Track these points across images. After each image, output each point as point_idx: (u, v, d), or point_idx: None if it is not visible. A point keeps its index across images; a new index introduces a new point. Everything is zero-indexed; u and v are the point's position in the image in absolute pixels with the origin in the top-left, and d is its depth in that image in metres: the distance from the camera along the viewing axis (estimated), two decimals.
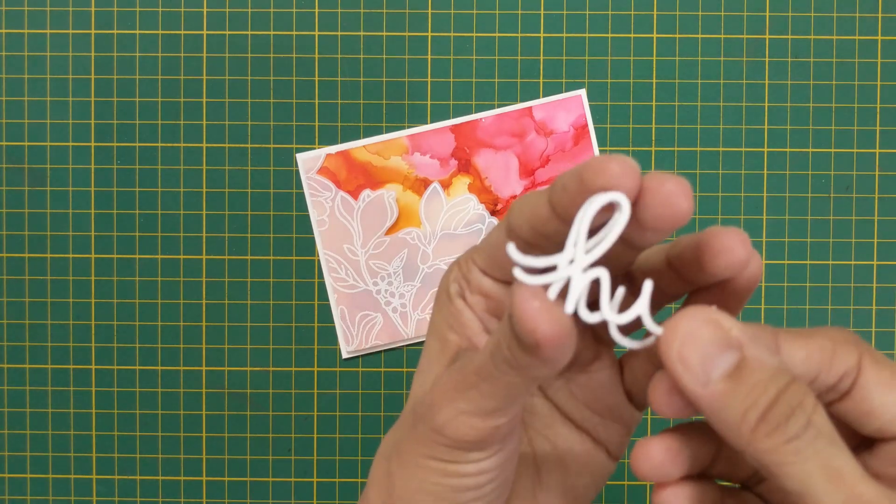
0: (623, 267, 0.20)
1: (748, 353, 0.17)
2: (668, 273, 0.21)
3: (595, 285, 0.17)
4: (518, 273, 0.17)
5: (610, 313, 0.17)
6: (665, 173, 0.17)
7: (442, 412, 0.19)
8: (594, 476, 0.23)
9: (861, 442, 0.19)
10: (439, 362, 0.21)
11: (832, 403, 0.19)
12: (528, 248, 0.19)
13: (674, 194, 0.16)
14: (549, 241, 0.19)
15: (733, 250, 0.19)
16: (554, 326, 0.16)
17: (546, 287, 0.17)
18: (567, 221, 0.17)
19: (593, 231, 0.17)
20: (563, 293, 0.17)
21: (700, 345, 0.17)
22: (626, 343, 0.18)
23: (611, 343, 0.20)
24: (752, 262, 0.19)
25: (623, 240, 0.18)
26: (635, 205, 0.17)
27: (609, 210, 0.17)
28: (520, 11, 0.43)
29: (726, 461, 0.21)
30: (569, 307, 0.17)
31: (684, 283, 0.21)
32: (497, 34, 0.43)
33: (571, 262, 0.17)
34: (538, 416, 0.23)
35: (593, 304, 0.18)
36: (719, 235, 0.19)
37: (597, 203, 0.16)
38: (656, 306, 0.21)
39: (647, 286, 0.18)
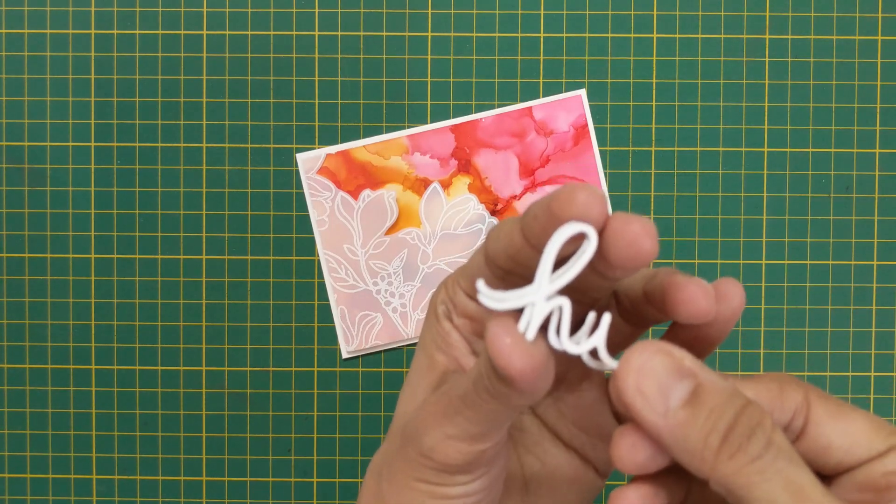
0: (602, 295, 0.21)
1: (702, 379, 0.17)
2: (644, 304, 0.21)
3: (595, 317, 0.18)
4: (483, 299, 0.17)
5: (568, 343, 0.18)
6: (631, 215, 0.17)
7: (429, 436, 0.19)
8: (582, 493, 0.23)
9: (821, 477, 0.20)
10: (427, 380, 0.22)
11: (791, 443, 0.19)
12: (506, 275, 0.20)
13: (639, 236, 0.17)
14: (524, 268, 0.19)
15: (695, 302, 0.19)
16: (526, 360, 0.16)
17: (518, 319, 0.17)
18: (539, 250, 0.18)
19: (567, 260, 0.18)
20: (543, 325, 0.17)
21: (655, 375, 0.17)
22: (595, 366, 0.19)
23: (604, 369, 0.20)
24: (732, 298, 0.20)
25: (595, 271, 0.18)
26: (601, 243, 0.17)
27: (580, 240, 0.17)
28: (520, 11, 0.43)
29: (699, 496, 0.21)
30: (530, 335, 0.17)
31: (661, 315, 0.21)
32: (497, 34, 0.43)
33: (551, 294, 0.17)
34: (527, 434, 0.23)
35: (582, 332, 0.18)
36: (682, 287, 0.19)
37: (563, 234, 0.17)
38: (641, 328, 0.22)
39: (605, 319, 0.18)
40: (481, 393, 0.18)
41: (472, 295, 0.21)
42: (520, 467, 0.23)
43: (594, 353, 0.18)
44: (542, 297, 0.17)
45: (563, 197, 0.17)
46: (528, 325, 0.17)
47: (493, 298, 0.17)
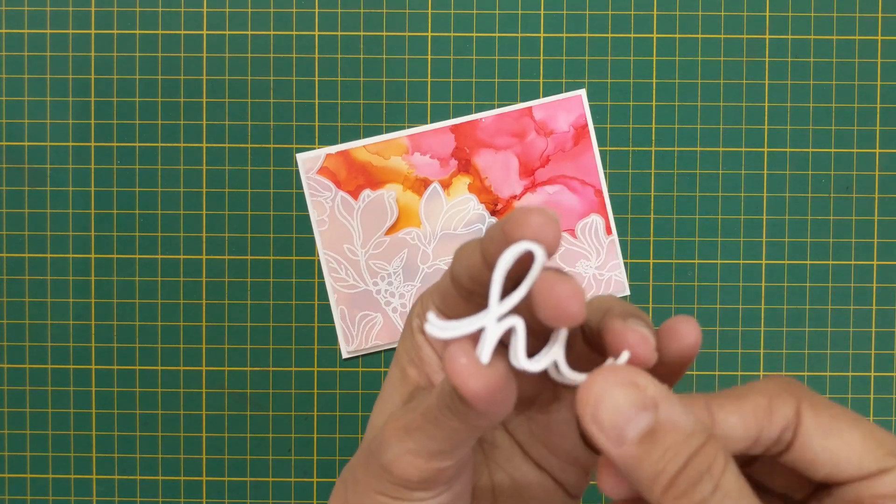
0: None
1: (662, 416, 0.17)
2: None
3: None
4: (430, 329, 0.17)
5: (525, 362, 0.17)
6: (560, 276, 0.17)
7: (390, 450, 0.19)
8: None
9: (820, 485, 0.20)
10: (399, 393, 0.22)
11: (780, 454, 0.19)
12: (470, 295, 0.20)
13: (563, 300, 0.17)
14: (486, 289, 0.19)
15: (633, 349, 0.19)
16: (480, 382, 0.16)
17: (476, 341, 0.17)
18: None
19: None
20: (507, 345, 0.17)
21: (614, 407, 0.17)
22: (562, 380, 0.19)
23: (571, 385, 0.20)
24: (685, 337, 0.19)
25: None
26: (531, 299, 0.17)
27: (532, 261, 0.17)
28: (520, 11, 0.43)
29: None
30: (484, 357, 0.17)
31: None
32: (497, 34, 0.43)
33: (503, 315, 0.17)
34: (499, 449, 0.23)
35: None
36: (619, 334, 0.19)
37: (511, 254, 0.17)
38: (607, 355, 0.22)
39: (562, 334, 0.18)
40: (444, 410, 0.18)
41: (444, 311, 0.21)
42: (490, 482, 0.23)
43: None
44: (493, 319, 0.17)
45: (516, 218, 0.17)
46: (483, 348, 0.17)
47: (440, 328, 0.17)
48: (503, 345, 0.18)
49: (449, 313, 0.21)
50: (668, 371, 0.20)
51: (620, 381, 0.17)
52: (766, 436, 0.19)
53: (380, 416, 0.22)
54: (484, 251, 0.18)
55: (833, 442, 0.18)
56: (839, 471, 0.18)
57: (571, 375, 0.18)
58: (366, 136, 0.43)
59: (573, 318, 0.17)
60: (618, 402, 0.17)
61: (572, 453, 0.23)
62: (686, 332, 0.19)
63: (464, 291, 0.20)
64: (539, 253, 0.17)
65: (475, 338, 0.17)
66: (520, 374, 0.18)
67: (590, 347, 0.21)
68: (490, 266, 0.18)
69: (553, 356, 0.18)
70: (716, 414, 0.18)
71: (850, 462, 0.18)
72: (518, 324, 0.17)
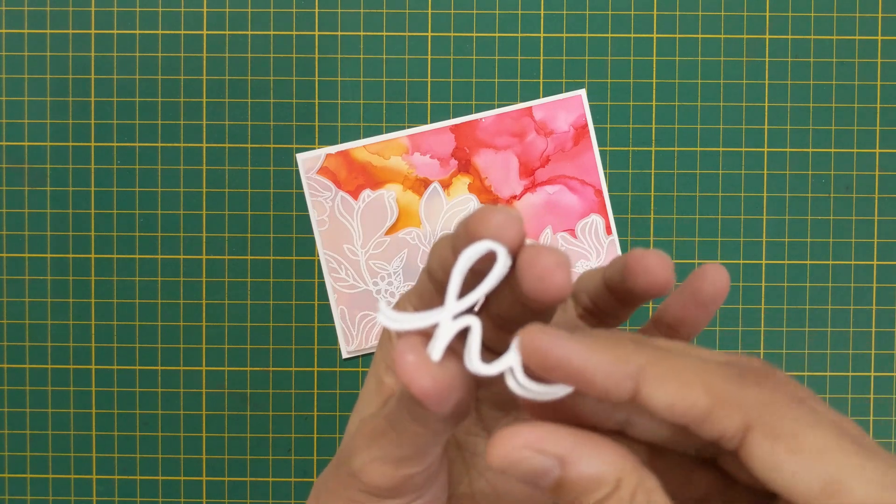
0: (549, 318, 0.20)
1: (568, 472, 0.16)
2: (606, 295, 0.21)
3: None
4: (381, 319, 0.17)
5: (477, 365, 0.17)
6: (543, 247, 0.16)
7: (358, 457, 0.19)
8: None
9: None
10: (375, 402, 0.21)
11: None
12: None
13: (548, 270, 0.16)
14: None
15: (651, 272, 0.18)
16: (429, 380, 0.16)
17: (427, 339, 0.17)
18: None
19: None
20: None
21: (520, 472, 0.16)
22: (519, 391, 0.17)
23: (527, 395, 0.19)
24: (712, 275, 0.19)
25: (521, 302, 0.18)
26: (516, 275, 0.17)
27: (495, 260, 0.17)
28: (520, 11, 0.43)
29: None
30: (435, 354, 0.16)
31: (621, 304, 0.21)
32: (497, 34, 0.43)
33: (475, 310, 0.17)
34: (480, 457, 0.23)
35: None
36: (639, 258, 0.19)
37: (472, 252, 0.16)
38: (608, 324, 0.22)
39: (515, 342, 0.17)
40: (403, 414, 0.18)
41: (420, 310, 0.21)
42: (470, 490, 0.23)
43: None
44: (448, 316, 0.16)
45: (479, 216, 0.17)
46: (434, 345, 0.16)
47: (391, 319, 0.16)
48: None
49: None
50: (701, 312, 0.20)
51: (521, 444, 0.16)
52: (696, 431, 0.16)
53: (351, 420, 0.22)
54: (454, 247, 0.18)
55: (781, 478, 0.15)
56: (790, 496, 0.16)
57: (526, 384, 0.17)
58: (366, 136, 0.43)
59: (559, 289, 0.16)
60: (522, 468, 0.16)
61: None
62: (716, 276, 0.19)
63: (439, 287, 0.19)
64: (501, 252, 0.16)
65: (426, 337, 0.17)
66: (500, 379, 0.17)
67: (588, 323, 0.21)
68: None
69: (509, 362, 0.17)
70: (642, 388, 0.16)
71: (800, 495, 0.15)
72: (474, 323, 0.17)
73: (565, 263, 0.16)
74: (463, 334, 0.17)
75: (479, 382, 0.18)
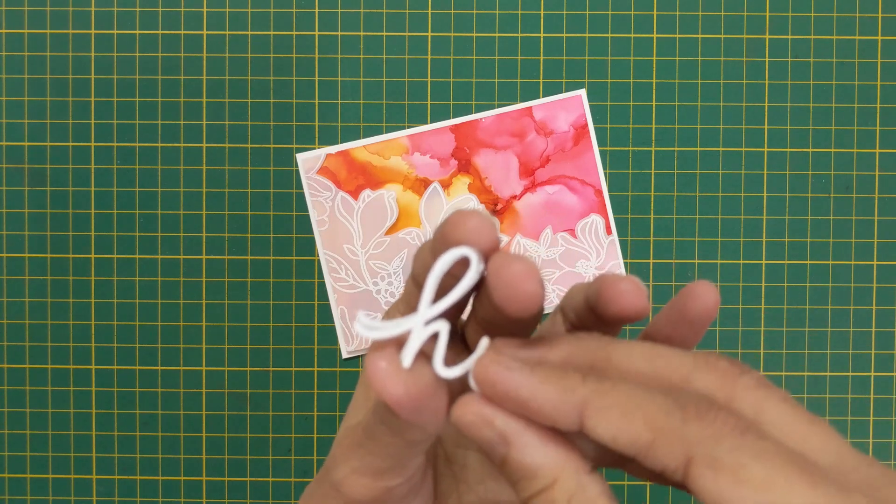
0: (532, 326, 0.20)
1: (511, 453, 0.17)
2: (588, 314, 0.20)
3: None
4: (359, 327, 0.17)
5: (441, 369, 0.17)
6: (512, 255, 0.17)
7: (338, 469, 0.19)
8: None
9: None
10: (362, 411, 0.22)
11: None
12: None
13: (517, 278, 0.16)
14: (441, 289, 0.19)
15: (623, 299, 0.18)
16: (400, 387, 0.16)
17: (400, 347, 0.17)
18: (449, 272, 0.18)
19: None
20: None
21: (470, 434, 0.17)
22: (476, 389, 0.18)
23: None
24: (701, 293, 0.19)
25: (496, 310, 0.18)
26: (488, 284, 0.17)
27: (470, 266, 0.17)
28: (520, 11, 0.43)
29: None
30: (406, 361, 0.16)
31: (603, 324, 0.20)
32: (497, 34, 0.43)
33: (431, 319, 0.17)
34: (469, 470, 0.23)
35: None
36: (611, 284, 0.19)
37: (447, 258, 0.17)
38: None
39: (483, 343, 0.17)
40: (377, 424, 0.18)
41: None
42: (458, 502, 0.23)
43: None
44: (420, 323, 0.17)
45: (453, 221, 0.17)
46: (405, 352, 0.16)
47: (367, 327, 0.17)
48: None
49: None
50: (690, 331, 0.19)
51: (476, 412, 0.17)
52: (642, 463, 0.16)
53: (339, 429, 0.22)
54: (433, 252, 0.18)
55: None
56: None
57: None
58: (366, 136, 0.43)
59: (529, 298, 0.16)
60: (472, 433, 0.17)
61: None
62: (705, 294, 0.19)
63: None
64: (474, 258, 0.17)
65: (399, 344, 0.17)
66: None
67: (578, 331, 0.21)
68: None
69: (467, 365, 0.17)
70: (586, 421, 0.16)
71: None
72: (443, 328, 0.17)
73: (535, 272, 0.16)
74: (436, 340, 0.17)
75: (453, 392, 0.18)
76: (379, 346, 0.17)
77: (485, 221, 0.17)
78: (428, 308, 0.17)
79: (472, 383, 0.17)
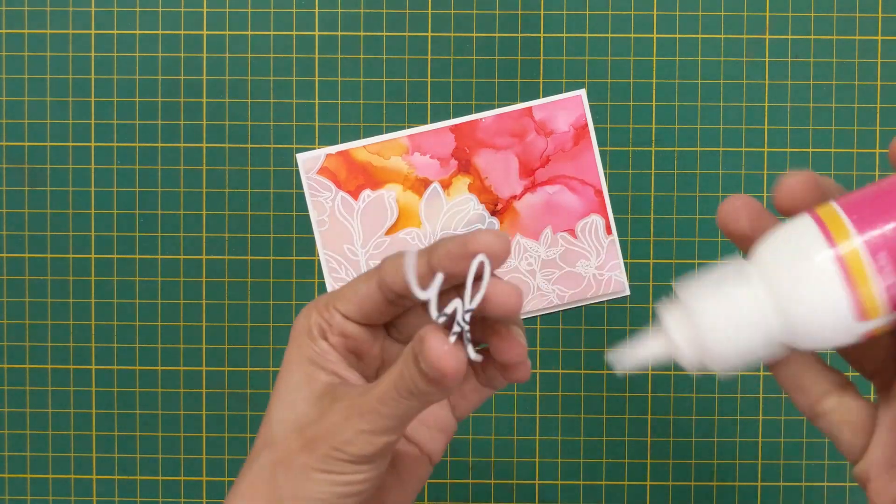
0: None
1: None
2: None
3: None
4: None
5: (472, 352, 0.23)
6: (504, 283, 0.23)
7: (344, 433, 0.23)
8: (420, 481, 0.28)
9: None
10: (303, 394, 0.25)
11: None
12: (398, 298, 0.25)
13: (506, 296, 0.23)
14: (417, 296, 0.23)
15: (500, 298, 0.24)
16: (456, 363, 0.21)
17: (448, 332, 0.22)
18: (451, 277, 0.23)
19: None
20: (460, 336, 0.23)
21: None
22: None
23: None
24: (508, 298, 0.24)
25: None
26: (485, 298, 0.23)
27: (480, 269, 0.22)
28: (520, 11, 0.43)
29: None
30: (471, 352, 0.22)
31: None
32: (497, 34, 0.43)
33: (467, 311, 0.22)
34: None
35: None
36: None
37: (475, 263, 0.22)
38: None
39: (465, 302, 0.23)
40: (402, 392, 0.23)
41: (351, 317, 0.25)
42: None
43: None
44: (465, 316, 0.22)
45: (477, 237, 0.23)
46: (455, 337, 0.22)
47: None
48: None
49: (360, 318, 0.25)
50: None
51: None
52: None
53: (286, 413, 0.25)
54: (437, 263, 0.23)
55: None
56: None
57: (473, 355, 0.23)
58: (366, 136, 0.43)
59: (512, 313, 0.23)
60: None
61: (442, 421, 0.28)
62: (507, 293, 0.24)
63: (393, 296, 0.24)
64: (487, 265, 0.22)
65: (441, 330, 0.22)
66: None
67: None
68: (446, 272, 0.23)
69: (454, 304, 0.22)
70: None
71: None
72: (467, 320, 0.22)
73: (519, 294, 0.23)
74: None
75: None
76: (436, 331, 0.22)
77: (501, 239, 0.23)
78: (468, 304, 0.22)
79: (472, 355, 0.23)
